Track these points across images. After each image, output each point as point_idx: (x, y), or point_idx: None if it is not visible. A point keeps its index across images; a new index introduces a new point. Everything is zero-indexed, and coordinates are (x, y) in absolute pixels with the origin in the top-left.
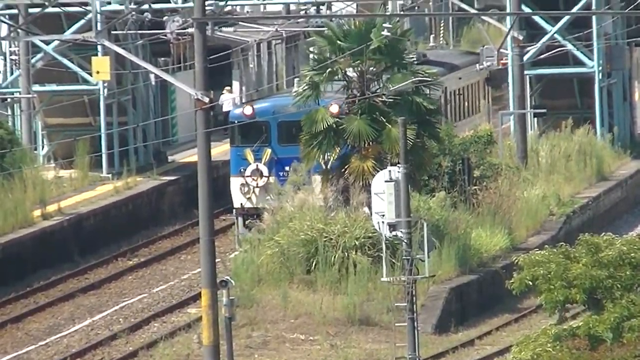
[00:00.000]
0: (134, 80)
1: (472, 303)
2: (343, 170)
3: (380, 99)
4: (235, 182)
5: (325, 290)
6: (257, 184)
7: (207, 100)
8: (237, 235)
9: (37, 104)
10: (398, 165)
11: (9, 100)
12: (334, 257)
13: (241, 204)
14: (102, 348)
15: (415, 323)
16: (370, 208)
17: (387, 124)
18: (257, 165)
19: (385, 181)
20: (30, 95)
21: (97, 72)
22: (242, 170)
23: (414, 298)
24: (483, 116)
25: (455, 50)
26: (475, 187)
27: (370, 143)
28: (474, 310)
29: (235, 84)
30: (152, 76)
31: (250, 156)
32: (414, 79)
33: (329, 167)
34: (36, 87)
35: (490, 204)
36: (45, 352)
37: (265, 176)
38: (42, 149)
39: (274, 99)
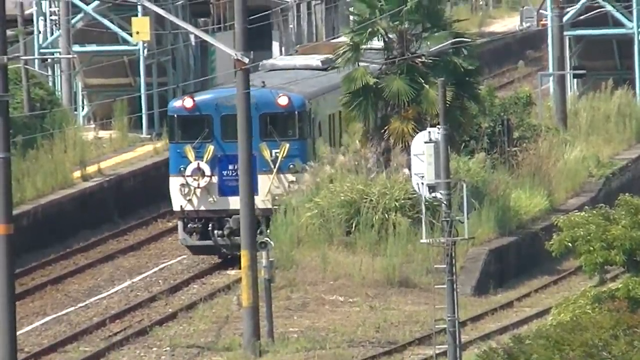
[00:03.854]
0: (173, 40)
1: (511, 265)
2: (383, 131)
3: (419, 59)
4: (174, 182)
5: (364, 252)
6: (198, 184)
7: (247, 60)
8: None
9: (77, 65)
10: (438, 126)
11: (49, 60)
12: (374, 218)
13: (181, 206)
14: (142, 309)
15: (455, 285)
16: (410, 169)
17: (425, 84)
18: (198, 163)
19: (425, 142)
20: (70, 56)
21: (137, 33)
22: (182, 169)
23: (453, 260)
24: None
25: None
26: (515, 148)
27: (410, 104)
28: (513, 271)
29: (275, 45)
30: (192, 36)
31: (190, 153)
32: (452, 40)
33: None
34: (76, 48)
35: (529, 165)
36: (85, 314)
37: (208, 175)
38: (82, 109)
39: (217, 91)
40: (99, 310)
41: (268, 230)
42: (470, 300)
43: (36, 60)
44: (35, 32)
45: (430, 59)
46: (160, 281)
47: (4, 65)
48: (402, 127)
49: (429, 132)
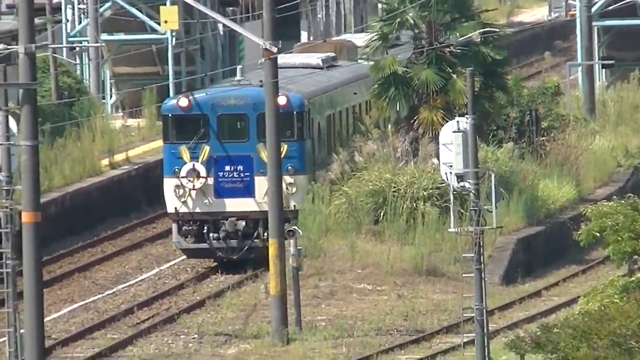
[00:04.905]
0: (202, 29)
1: (539, 254)
2: (412, 121)
3: (447, 49)
4: (169, 184)
5: (392, 241)
6: (193, 185)
7: (275, 49)
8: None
9: (105, 53)
10: (466, 115)
11: (77, 49)
12: (402, 207)
13: (175, 208)
14: (169, 297)
15: (483, 274)
16: (438, 159)
17: (453, 74)
18: (193, 164)
19: (453, 132)
20: (98, 44)
21: (165, 22)
22: (176, 170)
23: (481, 249)
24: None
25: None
26: (543, 138)
27: (438, 94)
28: (541, 261)
29: (304, 34)
30: (220, 25)
31: (185, 154)
32: (480, 30)
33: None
34: (104, 36)
35: (557, 155)
36: (113, 301)
37: (203, 177)
38: (110, 98)
39: (213, 89)
40: (126, 298)
41: (265, 234)
42: (498, 289)
43: (64, 49)
44: (64, 21)
45: (459, 49)
46: (187, 269)
47: (32, 54)
48: (431, 116)
49: (458, 121)
